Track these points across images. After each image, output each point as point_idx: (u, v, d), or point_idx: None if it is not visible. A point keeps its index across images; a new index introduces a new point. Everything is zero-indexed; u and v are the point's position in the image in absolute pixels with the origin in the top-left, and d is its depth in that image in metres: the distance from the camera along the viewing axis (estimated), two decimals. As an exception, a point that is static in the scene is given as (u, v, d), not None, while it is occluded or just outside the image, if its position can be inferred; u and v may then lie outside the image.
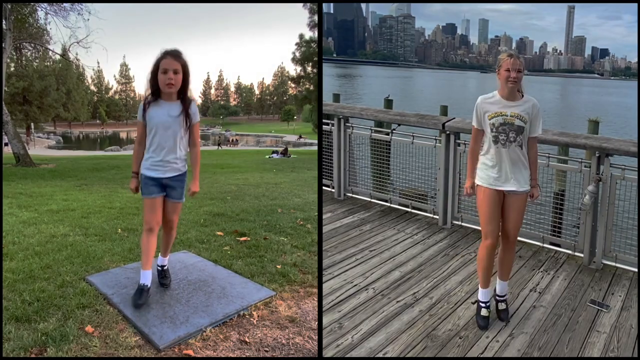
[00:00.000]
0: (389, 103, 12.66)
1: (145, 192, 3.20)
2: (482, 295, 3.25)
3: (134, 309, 3.08)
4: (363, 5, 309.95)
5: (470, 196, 3.30)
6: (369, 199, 5.61)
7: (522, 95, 3.06)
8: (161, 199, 3.25)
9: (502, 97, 3.04)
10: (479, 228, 4.72)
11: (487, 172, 3.10)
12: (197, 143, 3.31)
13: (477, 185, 3.17)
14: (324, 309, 3.30)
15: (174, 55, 3.06)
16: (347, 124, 5.62)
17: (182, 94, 3.16)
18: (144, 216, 3.26)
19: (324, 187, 5.99)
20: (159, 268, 3.58)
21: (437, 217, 5.00)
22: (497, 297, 3.31)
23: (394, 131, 5.40)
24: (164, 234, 3.48)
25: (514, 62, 2.94)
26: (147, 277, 3.25)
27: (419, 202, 5.28)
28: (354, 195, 5.74)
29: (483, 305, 3.22)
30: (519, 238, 4.42)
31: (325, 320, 3.16)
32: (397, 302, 3.42)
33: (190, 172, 3.36)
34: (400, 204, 5.40)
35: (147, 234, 3.22)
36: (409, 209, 5.30)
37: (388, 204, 5.46)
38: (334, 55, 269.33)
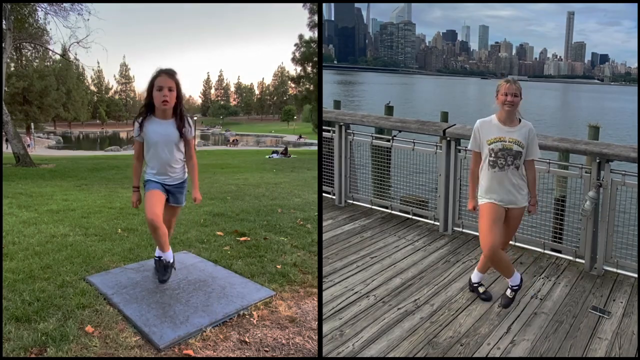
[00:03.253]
0: (389, 110, 12.65)
1: (147, 187, 3.34)
2: (476, 275, 3.61)
3: (159, 284, 3.42)
4: (364, 12, 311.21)
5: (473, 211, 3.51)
6: (369, 206, 5.60)
7: (520, 121, 3.24)
8: (163, 194, 3.34)
9: (500, 121, 3.23)
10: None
11: (487, 195, 3.27)
12: (193, 156, 3.46)
13: (480, 203, 3.32)
14: (324, 316, 3.29)
15: (169, 73, 3.18)
16: (348, 131, 5.62)
17: (177, 111, 3.26)
18: (146, 213, 3.29)
19: (324, 194, 5.98)
20: (156, 258, 3.64)
21: (438, 223, 4.99)
22: (474, 284, 3.60)
23: (394, 138, 5.40)
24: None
25: (510, 87, 3.14)
26: (169, 256, 3.48)
27: (419, 208, 5.27)
28: (354, 202, 5.73)
29: (478, 285, 3.58)
30: (519, 244, 4.47)
31: (326, 328, 3.15)
32: (398, 309, 3.42)
33: (191, 180, 3.51)
34: (401, 211, 5.40)
35: (153, 229, 3.33)
36: (409, 216, 5.29)
37: (389, 211, 5.46)
38: (335, 62, 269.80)
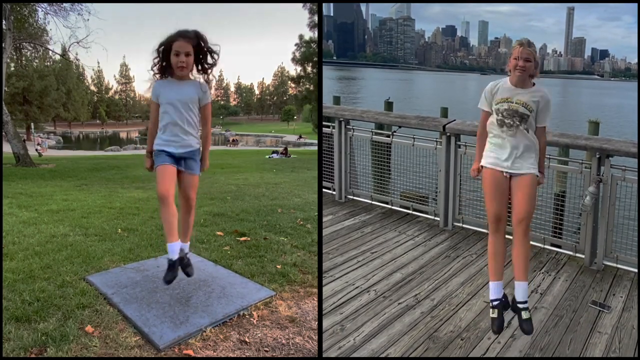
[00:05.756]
0: (389, 105, 12.65)
1: (157, 162, 3.17)
2: (491, 290, 2.99)
3: (159, 284, 3.33)
4: (363, 7, 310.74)
5: (476, 177, 3.22)
6: (370, 202, 5.60)
7: (534, 84, 3.03)
8: (174, 169, 3.18)
9: (511, 83, 3.02)
10: (481, 230, 4.75)
11: (492, 154, 3.06)
12: (208, 122, 3.34)
13: (483, 167, 3.10)
14: (325, 311, 3.30)
15: (187, 37, 3.07)
16: (348, 127, 5.62)
17: (202, 69, 3.19)
18: (157, 188, 3.12)
19: (324, 190, 5.99)
20: (170, 261, 3.31)
21: (438, 219, 4.99)
22: (518, 305, 2.92)
23: (394, 133, 5.40)
24: (183, 213, 3.34)
25: (523, 51, 2.91)
26: (174, 251, 3.14)
27: (420, 204, 5.27)
28: (355, 198, 5.73)
29: (493, 305, 2.94)
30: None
31: (326, 323, 3.16)
32: (399, 304, 3.42)
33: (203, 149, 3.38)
34: (401, 206, 5.40)
35: (163, 205, 3.09)
36: (410, 211, 5.29)
37: (389, 206, 5.46)
38: (334, 57, 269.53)
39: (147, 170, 3.36)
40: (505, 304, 3.00)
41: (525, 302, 2.91)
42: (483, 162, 3.10)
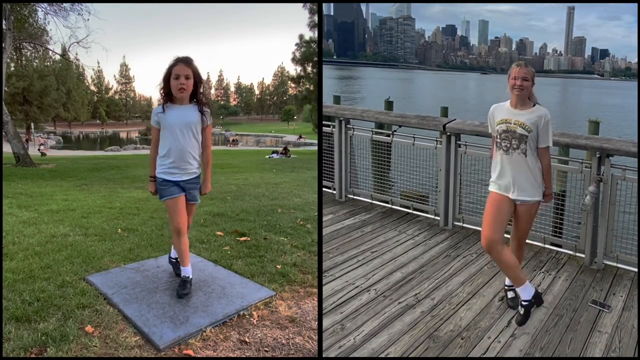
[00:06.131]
0: (389, 105, 12.66)
1: (166, 194, 3.29)
2: (525, 290, 3.26)
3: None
4: (363, 7, 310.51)
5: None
6: (370, 201, 5.60)
7: (534, 105, 3.11)
8: (183, 198, 3.34)
9: (511, 105, 3.13)
10: (480, 229, 4.73)
11: (495, 179, 3.19)
12: (209, 145, 3.45)
13: (489, 188, 3.24)
14: (325, 310, 3.30)
15: (186, 61, 3.21)
16: (348, 126, 5.62)
17: (195, 99, 3.30)
18: (171, 222, 3.33)
19: (324, 189, 5.99)
20: (172, 260, 3.72)
21: (438, 218, 4.99)
22: (505, 287, 3.44)
23: (394, 133, 5.40)
24: (178, 239, 3.43)
25: (520, 70, 3.03)
26: (188, 272, 3.43)
27: (420, 203, 5.27)
28: (355, 197, 5.73)
29: (523, 303, 3.24)
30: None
31: (327, 322, 3.16)
32: (399, 303, 3.42)
33: (204, 171, 3.48)
34: (401, 206, 5.40)
35: (177, 236, 3.35)
36: (410, 211, 5.29)
37: (389, 206, 5.46)
38: (334, 57, 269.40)
39: (152, 194, 3.46)
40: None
41: (512, 286, 3.33)
42: (490, 187, 3.25)
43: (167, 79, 3.21)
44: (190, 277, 3.44)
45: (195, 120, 3.27)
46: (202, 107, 3.30)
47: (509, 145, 3.07)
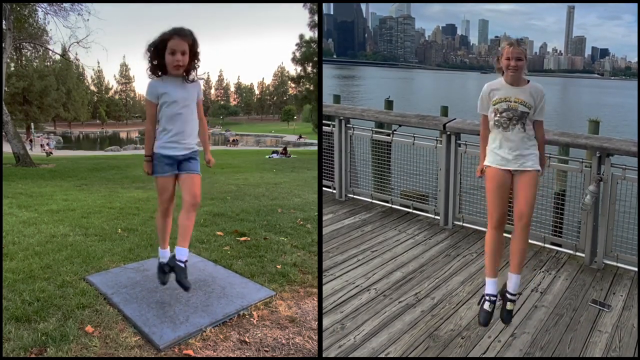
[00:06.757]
0: (389, 104, 12.65)
1: (158, 170, 3.14)
2: (488, 286, 3.08)
3: (159, 284, 3.30)
4: (363, 6, 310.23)
5: (481, 177, 3.28)
6: (370, 200, 5.60)
7: (528, 81, 3.10)
8: (174, 178, 3.18)
9: (507, 82, 3.08)
10: (481, 229, 4.74)
11: (493, 154, 3.12)
12: (203, 118, 3.34)
13: (486, 166, 3.15)
14: (325, 309, 3.30)
15: (182, 35, 2.99)
16: (348, 125, 5.62)
17: (189, 72, 3.12)
18: (158, 197, 3.25)
19: (324, 189, 5.98)
20: (178, 263, 3.08)
21: (438, 217, 4.99)
22: (507, 294, 3.09)
23: (394, 132, 5.40)
24: (186, 214, 3.11)
25: (513, 50, 3.00)
26: (166, 256, 3.31)
27: (420, 202, 5.27)
28: (355, 197, 5.73)
29: (487, 298, 3.04)
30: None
31: (327, 321, 3.16)
32: (399, 302, 3.42)
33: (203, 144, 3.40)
34: (401, 205, 5.40)
35: (162, 215, 3.27)
36: (410, 210, 5.29)
37: (389, 205, 5.46)
38: (334, 56, 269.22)
39: (146, 174, 3.27)
40: (495, 302, 3.07)
41: (515, 295, 3.09)
42: (486, 162, 3.15)
43: (161, 50, 2.99)
44: (165, 261, 3.19)
45: (192, 95, 3.15)
46: (197, 81, 3.16)
47: (509, 122, 3.04)
